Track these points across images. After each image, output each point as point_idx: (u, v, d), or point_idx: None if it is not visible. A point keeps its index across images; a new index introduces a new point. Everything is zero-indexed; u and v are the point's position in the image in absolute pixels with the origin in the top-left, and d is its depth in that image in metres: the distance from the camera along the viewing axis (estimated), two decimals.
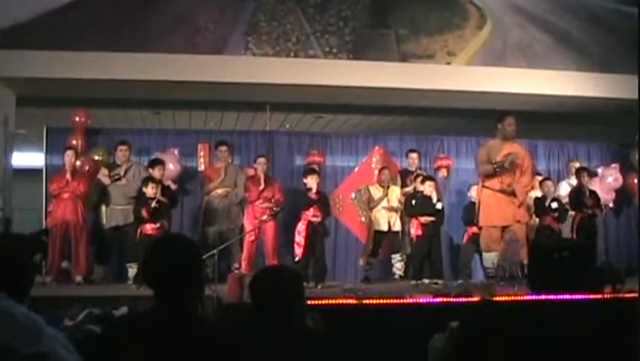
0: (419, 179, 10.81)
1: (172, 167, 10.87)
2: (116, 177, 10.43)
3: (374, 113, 13.93)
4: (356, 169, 12.02)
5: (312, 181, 10.20)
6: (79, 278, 9.96)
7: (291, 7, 11.39)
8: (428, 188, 10.52)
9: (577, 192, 11.12)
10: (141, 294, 7.72)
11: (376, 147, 12.00)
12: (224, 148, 10.87)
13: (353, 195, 11.71)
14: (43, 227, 10.39)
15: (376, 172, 11.30)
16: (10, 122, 11.12)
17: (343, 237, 11.76)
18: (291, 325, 3.08)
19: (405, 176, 11.33)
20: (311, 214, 10.08)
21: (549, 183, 11.33)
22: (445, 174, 12.03)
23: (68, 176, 10.00)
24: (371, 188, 11.08)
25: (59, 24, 10.49)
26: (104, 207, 10.49)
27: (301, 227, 10.03)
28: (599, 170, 12.31)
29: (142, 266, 2.95)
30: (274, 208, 10.35)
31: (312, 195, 10.13)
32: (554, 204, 11.00)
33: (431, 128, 13.94)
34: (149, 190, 9.67)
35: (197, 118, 14.21)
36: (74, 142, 10.62)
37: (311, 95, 11.85)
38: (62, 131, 11.24)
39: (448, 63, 11.74)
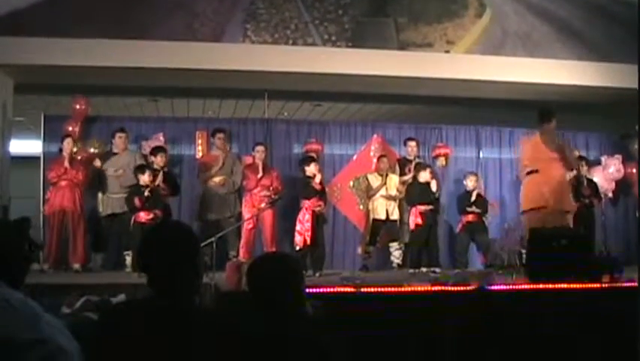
0: (418, 167, 10.84)
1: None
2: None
3: (373, 102, 13.91)
4: (354, 157, 12.01)
5: (314, 170, 10.20)
6: (77, 266, 9.96)
7: None
8: (428, 175, 10.55)
9: (575, 182, 11.13)
10: (139, 282, 7.72)
11: (375, 136, 12.00)
12: (221, 135, 10.88)
13: (351, 183, 11.70)
14: (29, 215, 10.32)
15: (375, 160, 11.29)
16: (8, 109, 11.09)
17: (341, 225, 11.76)
18: (290, 312, 3.06)
19: (403, 165, 11.35)
20: (314, 204, 10.09)
21: None
22: (444, 162, 12.04)
23: (67, 164, 10.00)
24: (369, 176, 11.09)
25: (57, 11, 10.45)
26: (100, 195, 10.49)
27: (305, 216, 10.01)
28: (603, 159, 12.31)
29: (138, 253, 2.94)
30: (272, 196, 10.34)
31: (316, 185, 10.12)
32: None
33: (430, 117, 13.92)
34: (145, 178, 9.66)
35: (195, 105, 14.19)
36: (71, 129, 10.60)
37: (309, 83, 11.82)
38: (60, 119, 11.23)
39: (447, 52, 11.72)
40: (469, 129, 12.69)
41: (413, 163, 11.18)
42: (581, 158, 11.49)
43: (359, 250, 11.05)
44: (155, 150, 10.24)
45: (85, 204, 10.32)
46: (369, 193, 11.00)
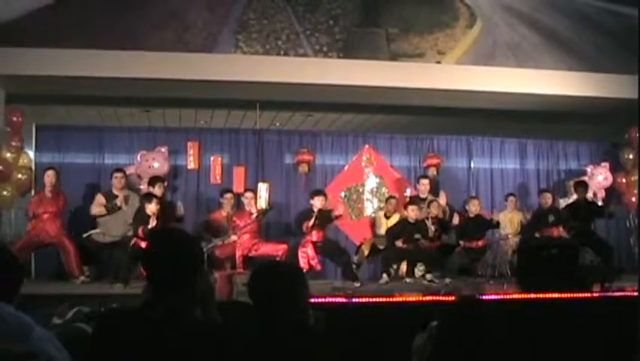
0: (433, 204, 10.88)
1: (157, 165, 10.83)
2: (116, 207, 10.19)
3: (364, 112, 13.94)
4: (346, 168, 12.02)
5: (318, 204, 10.34)
6: (82, 278, 9.92)
7: (281, 5, 11.38)
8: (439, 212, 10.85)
9: (576, 207, 11.05)
10: (130, 292, 7.73)
11: (366, 146, 12.04)
12: (229, 196, 10.80)
13: (343, 194, 11.72)
14: None
15: (366, 171, 11.39)
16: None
17: (333, 235, 11.74)
18: (291, 322, 3.02)
19: (416, 203, 11.18)
20: (316, 236, 10.34)
21: (547, 195, 11.43)
22: (435, 172, 12.04)
23: (48, 193, 10.03)
24: (379, 216, 11.27)
25: (49, 21, 10.45)
26: (99, 232, 10.29)
27: (307, 245, 10.30)
28: (588, 168, 12.35)
29: (143, 260, 2.93)
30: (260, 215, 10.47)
31: (314, 218, 10.31)
32: (551, 218, 11.09)
33: (421, 127, 13.96)
34: (152, 207, 9.52)
35: (186, 116, 14.19)
36: (14, 143, 10.48)
37: (301, 93, 11.84)
38: (52, 129, 11.22)
39: (438, 62, 11.75)
40: (460, 139, 12.72)
41: (426, 201, 11.15)
42: (580, 183, 11.43)
43: (354, 259, 11.01)
44: (154, 181, 10.18)
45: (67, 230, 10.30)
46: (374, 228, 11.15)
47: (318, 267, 10.28)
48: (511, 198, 11.65)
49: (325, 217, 10.40)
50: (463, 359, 3.66)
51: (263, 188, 10.96)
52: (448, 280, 10.25)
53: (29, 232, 10.13)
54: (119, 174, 10.41)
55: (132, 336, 2.67)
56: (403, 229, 10.54)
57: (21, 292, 2.81)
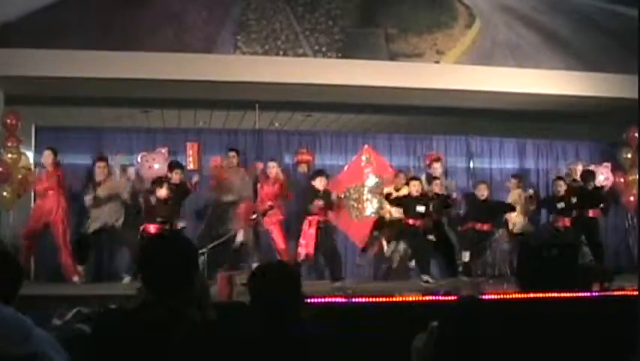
0: (435, 182, 10.98)
1: (157, 166, 10.81)
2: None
3: (363, 112, 13.93)
4: (345, 168, 12.02)
5: (319, 184, 10.34)
6: (76, 279, 9.93)
7: (280, 5, 11.38)
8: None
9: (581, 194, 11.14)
10: (130, 293, 7.71)
11: (365, 146, 12.04)
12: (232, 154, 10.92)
13: (342, 195, 11.69)
14: None
15: (366, 171, 11.38)
16: None
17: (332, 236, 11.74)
18: (288, 318, 3.06)
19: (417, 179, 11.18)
20: (320, 216, 10.29)
21: (560, 182, 11.39)
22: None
23: (46, 175, 10.11)
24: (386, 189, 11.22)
25: (48, 22, 10.45)
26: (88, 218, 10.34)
27: (309, 229, 10.20)
28: (591, 168, 12.34)
29: (139, 263, 2.94)
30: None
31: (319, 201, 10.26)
32: (560, 205, 11.12)
33: (420, 127, 13.96)
34: (163, 192, 9.60)
35: (186, 117, 14.18)
36: (10, 144, 10.55)
37: (300, 93, 11.85)
38: (51, 130, 11.20)
39: (437, 62, 11.76)
40: (459, 139, 12.71)
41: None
42: (588, 172, 11.56)
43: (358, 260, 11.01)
44: (172, 166, 10.23)
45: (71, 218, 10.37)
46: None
47: (311, 253, 10.24)
48: (513, 179, 11.64)
49: (328, 197, 10.41)
50: (463, 358, 3.66)
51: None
52: (448, 280, 10.26)
53: (34, 212, 10.23)
54: (101, 164, 10.39)
55: (131, 337, 2.68)
56: (408, 201, 10.53)
57: (20, 294, 2.81)
